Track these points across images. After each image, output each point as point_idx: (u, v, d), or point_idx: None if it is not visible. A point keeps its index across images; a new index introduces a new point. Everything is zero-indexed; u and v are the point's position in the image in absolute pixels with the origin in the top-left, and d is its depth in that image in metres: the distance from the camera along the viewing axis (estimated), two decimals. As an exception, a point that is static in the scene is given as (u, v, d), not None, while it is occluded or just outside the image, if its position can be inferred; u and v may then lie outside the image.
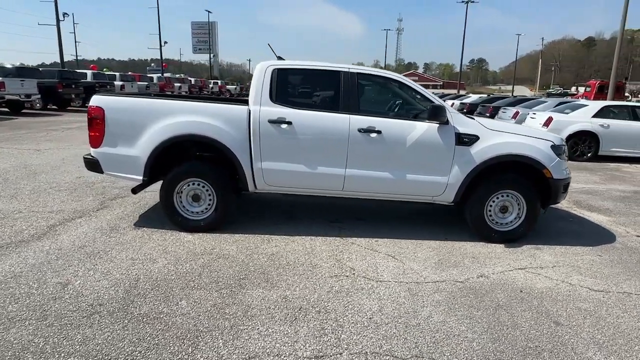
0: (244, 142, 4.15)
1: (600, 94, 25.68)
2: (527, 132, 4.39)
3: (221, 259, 3.71)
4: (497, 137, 4.20)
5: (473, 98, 21.27)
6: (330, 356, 2.44)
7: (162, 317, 2.76)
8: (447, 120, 4.14)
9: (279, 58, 4.72)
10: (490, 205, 4.32)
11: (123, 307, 2.86)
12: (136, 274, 3.36)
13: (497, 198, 4.31)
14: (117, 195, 5.56)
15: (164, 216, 4.60)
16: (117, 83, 23.19)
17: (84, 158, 4.38)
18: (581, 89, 30.72)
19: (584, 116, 10.10)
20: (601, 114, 10.13)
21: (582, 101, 12.32)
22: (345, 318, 2.85)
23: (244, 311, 2.88)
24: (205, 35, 63.54)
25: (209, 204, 4.32)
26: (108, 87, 21.41)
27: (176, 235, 4.21)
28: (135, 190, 4.45)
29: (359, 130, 4.13)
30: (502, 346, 2.61)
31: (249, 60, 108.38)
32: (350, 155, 4.18)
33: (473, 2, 45.84)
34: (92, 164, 4.30)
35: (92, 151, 4.28)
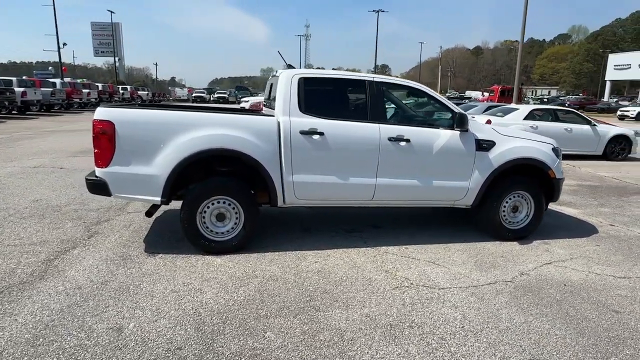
0: (274, 155, 3.93)
1: (502, 97, 28.73)
2: (532, 136, 4.76)
3: (271, 281, 3.47)
4: (511, 142, 4.49)
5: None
6: (457, 371, 2.42)
7: (261, 354, 2.50)
8: (467, 127, 4.33)
9: (289, 66, 4.56)
10: (504, 206, 4.60)
11: (209, 349, 2.54)
12: (192, 307, 3.00)
13: (510, 199, 4.61)
14: (99, 219, 4.90)
15: (173, 239, 4.22)
16: (17, 89, 20.41)
17: (87, 180, 3.81)
18: (486, 94, 34.21)
19: (516, 119, 11.22)
20: (530, 116, 11.34)
21: (512, 105, 13.68)
22: (440, 330, 2.83)
23: (340, 335, 2.73)
24: (108, 37, 58.33)
25: (235, 223, 4.01)
26: (8, 94, 18.79)
27: (203, 259, 3.84)
28: (150, 213, 3.97)
29: (389, 139, 4.14)
30: (592, 339, 2.80)
31: (156, 64, 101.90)
32: (380, 165, 4.17)
33: (383, 11, 48.33)
34: (98, 186, 3.75)
35: (98, 171, 3.73)
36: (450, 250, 4.34)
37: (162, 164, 3.71)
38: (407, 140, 4.18)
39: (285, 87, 4.04)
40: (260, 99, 23.01)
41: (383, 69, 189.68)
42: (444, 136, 4.30)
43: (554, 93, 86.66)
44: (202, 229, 3.94)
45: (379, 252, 4.20)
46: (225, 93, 51.81)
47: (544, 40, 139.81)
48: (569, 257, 4.26)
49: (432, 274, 3.72)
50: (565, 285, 3.60)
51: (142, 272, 3.54)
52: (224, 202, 3.95)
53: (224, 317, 2.90)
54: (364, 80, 4.23)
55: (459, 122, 4.24)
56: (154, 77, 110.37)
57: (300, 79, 4.08)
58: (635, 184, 8.35)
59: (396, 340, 2.70)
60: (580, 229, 5.26)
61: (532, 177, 4.64)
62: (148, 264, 3.71)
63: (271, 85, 4.87)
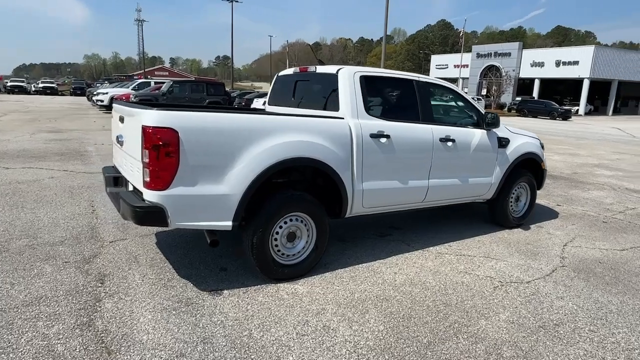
0: (346, 161, 3.54)
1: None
2: (527, 133, 5.28)
3: (385, 302, 3.16)
4: (519, 139, 4.93)
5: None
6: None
7: (487, 387, 2.27)
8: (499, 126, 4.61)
9: (320, 62, 4.17)
10: (512, 197, 5.05)
11: (430, 395, 2.19)
12: (349, 351, 2.54)
13: (516, 190, 5.08)
14: (83, 256, 3.71)
15: (214, 269, 3.55)
16: None
17: (134, 208, 2.83)
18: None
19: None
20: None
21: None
22: (580, 323, 2.98)
23: (518, 347, 2.65)
24: None
25: (306, 242, 3.50)
26: None
27: (283, 289, 3.27)
28: (216, 242, 3.15)
29: (440, 140, 4.13)
30: (676, 307, 3.31)
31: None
32: (433, 166, 4.14)
33: (237, 2, 47.22)
34: (151, 215, 2.83)
35: (152, 195, 2.82)
36: (484, 243, 4.58)
37: (236, 179, 2.99)
38: (453, 141, 4.23)
39: (350, 85, 3.66)
40: (124, 90, 20.29)
41: (225, 60, 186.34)
42: (477, 135, 4.48)
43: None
44: (274, 253, 3.33)
45: (434, 254, 4.18)
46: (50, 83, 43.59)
47: (372, 39, 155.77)
48: (570, 237, 4.92)
49: (503, 269, 3.88)
50: (600, 262, 4.16)
51: (234, 319, 2.83)
52: (296, 219, 3.41)
53: (396, 354, 2.53)
54: (411, 80, 4.11)
55: (493, 122, 4.47)
56: None
57: (361, 77, 3.74)
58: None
59: (563, 341, 2.75)
60: (545, 212, 6.08)
61: (530, 169, 5.19)
62: (228, 307, 2.98)
63: (295, 82, 4.34)
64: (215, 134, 2.92)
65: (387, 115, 3.85)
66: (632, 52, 47.98)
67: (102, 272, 3.42)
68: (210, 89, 18.27)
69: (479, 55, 50.15)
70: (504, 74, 45.82)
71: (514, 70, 45.02)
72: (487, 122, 4.50)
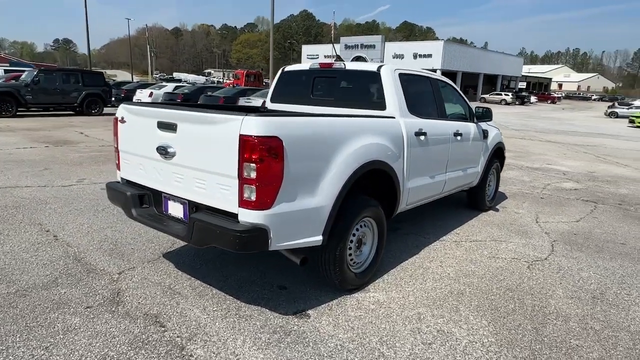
0: (400, 161, 3.51)
1: (248, 81, 30.54)
2: (493, 125, 5.83)
3: (462, 297, 3.25)
4: (492, 130, 5.44)
5: (169, 87, 20.18)
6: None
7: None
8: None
9: (338, 57, 4.02)
10: (487, 183, 5.57)
11: (585, 378, 2.36)
12: (485, 352, 2.57)
13: (489, 176, 5.61)
14: (102, 296, 3.00)
15: (272, 286, 3.26)
16: None
17: (238, 234, 2.37)
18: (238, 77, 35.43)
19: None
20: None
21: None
22: (617, 289, 3.49)
23: (593, 321, 3.00)
24: None
25: (370, 247, 3.39)
26: None
27: (363, 298, 3.13)
28: (306, 260, 2.80)
29: (454, 135, 4.34)
30: (654, 264, 4.09)
31: None
32: (449, 159, 4.33)
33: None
34: (253, 240, 2.43)
35: (257, 215, 2.41)
36: (479, 227, 4.98)
37: (328, 188, 2.74)
38: (461, 135, 4.48)
39: (395, 83, 3.60)
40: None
41: (66, 44, 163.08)
42: (473, 128, 4.82)
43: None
44: (349, 264, 3.15)
45: (452, 243, 4.41)
46: None
47: (235, 27, 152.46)
48: (533, 215, 5.64)
49: (518, 249, 4.29)
50: (574, 234, 4.88)
51: (350, 340, 2.62)
52: (365, 225, 3.27)
53: (523, 345, 2.64)
54: (429, 78, 4.22)
55: (486, 115, 4.85)
56: None
57: (400, 74, 3.71)
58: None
59: (619, 307, 3.20)
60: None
61: (496, 157, 5.77)
62: (330, 329, 2.73)
63: (314, 79, 4.08)
64: (313, 141, 2.62)
65: (420, 112, 3.89)
66: (470, 48, 56.10)
67: (147, 313, 2.81)
68: (86, 79, 15.89)
69: (347, 47, 53.00)
70: (371, 64, 49.29)
71: (380, 62, 48.84)
72: (477, 115, 4.87)
